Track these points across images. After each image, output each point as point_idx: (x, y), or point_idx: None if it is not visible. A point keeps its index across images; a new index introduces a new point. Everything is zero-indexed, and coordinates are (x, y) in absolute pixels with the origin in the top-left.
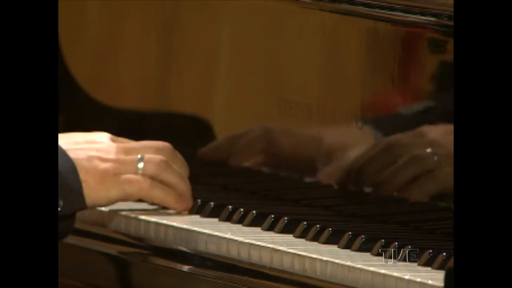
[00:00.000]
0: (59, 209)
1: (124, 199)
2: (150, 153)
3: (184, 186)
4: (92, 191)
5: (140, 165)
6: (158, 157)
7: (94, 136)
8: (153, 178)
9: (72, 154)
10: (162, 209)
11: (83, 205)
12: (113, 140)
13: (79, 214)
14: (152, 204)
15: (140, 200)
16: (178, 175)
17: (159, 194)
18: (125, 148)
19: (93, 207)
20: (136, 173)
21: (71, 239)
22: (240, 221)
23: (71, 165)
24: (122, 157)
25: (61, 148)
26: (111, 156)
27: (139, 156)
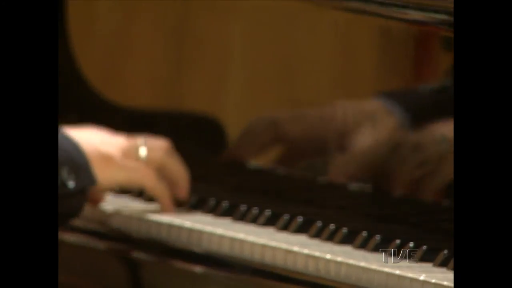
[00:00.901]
0: (71, 186)
1: (128, 184)
2: (153, 141)
3: (185, 174)
4: (97, 171)
5: (143, 150)
6: (161, 142)
7: (91, 130)
8: (157, 164)
9: (77, 137)
10: (178, 207)
11: (92, 181)
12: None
13: (91, 215)
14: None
15: (152, 200)
16: (180, 163)
17: (160, 187)
18: (128, 137)
19: (97, 190)
20: (138, 158)
21: (83, 240)
22: (254, 221)
23: (74, 144)
24: (125, 142)
25: (60, 131)
26: (115, 141)
27: (140, 141)
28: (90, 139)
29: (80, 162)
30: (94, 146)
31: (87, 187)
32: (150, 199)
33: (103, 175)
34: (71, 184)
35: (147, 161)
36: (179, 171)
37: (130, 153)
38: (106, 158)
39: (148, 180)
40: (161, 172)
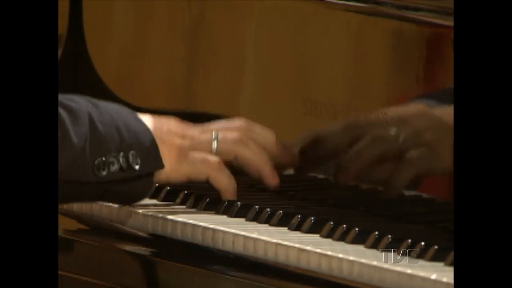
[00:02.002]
0: (137, 167)
1: (194, 177)
2: (225, 133)
3: (261, 160)
4: (165, 162)
5: (214, 144)
6: (232, 135)
7: (165, 118)
8: (228, 157)
9: (149, 124)
10: (189, 208)
11: (160, 165)
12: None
13: (107, 214)
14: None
15: (166, 200)
16: (254, 150)
17: (225, 180)
18: (201, 129)
19: (162, 179)
20: (210, 152)
21: (99, 239)
22: (267, 221)
23: (144, 127)
24: (198, 135)
25: (133, 113)
26: (187, 133)
27: (213, 135)
28: (161, 127)
29: (148, 145)
30: (169, 137)
31: (154, 171)
32: (165, 198)
33: (169, 166)
34: (136, 166)
35: (218, 154)
36: (254, 160)
37: (201, 147)
38: (176, 150)
39: (213, 172)
40: (238, 163)
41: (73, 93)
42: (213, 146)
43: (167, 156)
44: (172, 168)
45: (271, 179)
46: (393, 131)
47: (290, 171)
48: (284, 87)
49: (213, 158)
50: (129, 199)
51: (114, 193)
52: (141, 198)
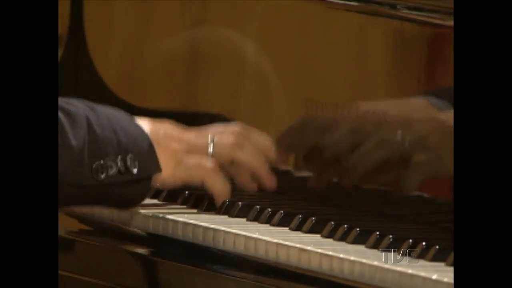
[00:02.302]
0: (135, 170)
1: (189, 181)
2: (221, 137)
3: (257, 163)
4: (161, 166)
5: (210, 148)
6: (228, 138)
7: (160, 122)
8: (224, 160)
9: (146, 127)
10: (190, 208)
11: (158, 168)
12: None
13: (108, 214)
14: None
15: (167, 200)
16: (250, 153)
17: (219, 186)
18: (197, 133)
19: (158, 183)
20: (206, 156)
21: (98, 239)
22: (267, 221)
23: (142, 131)
24: (194, 139)
25: (130, 117)
26: (183, 137)
27: (209, 139)
28: (158, 131)
29: (145, 149)
30: (165, 141)
31: (152, 175)
32: (165, 199)
33: (164, 171)
34: (135, 170)
35: (214, 158)
36: (250, 163)
37: (198, 151)
38: (171, 154)
39: (208, 177)
40: (236, 166)
41: (74, 93)
42: (209, 150)
43: (163, 160)
44: (167, 173)
45: (269, 181)
46: (396, 133)
47: (291, 171)
48: (285, 87)
49: (208, 163)
50: (128, 203)
51: (113, 197)
52: (139, 202)
